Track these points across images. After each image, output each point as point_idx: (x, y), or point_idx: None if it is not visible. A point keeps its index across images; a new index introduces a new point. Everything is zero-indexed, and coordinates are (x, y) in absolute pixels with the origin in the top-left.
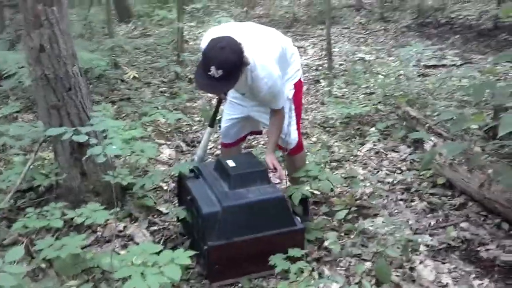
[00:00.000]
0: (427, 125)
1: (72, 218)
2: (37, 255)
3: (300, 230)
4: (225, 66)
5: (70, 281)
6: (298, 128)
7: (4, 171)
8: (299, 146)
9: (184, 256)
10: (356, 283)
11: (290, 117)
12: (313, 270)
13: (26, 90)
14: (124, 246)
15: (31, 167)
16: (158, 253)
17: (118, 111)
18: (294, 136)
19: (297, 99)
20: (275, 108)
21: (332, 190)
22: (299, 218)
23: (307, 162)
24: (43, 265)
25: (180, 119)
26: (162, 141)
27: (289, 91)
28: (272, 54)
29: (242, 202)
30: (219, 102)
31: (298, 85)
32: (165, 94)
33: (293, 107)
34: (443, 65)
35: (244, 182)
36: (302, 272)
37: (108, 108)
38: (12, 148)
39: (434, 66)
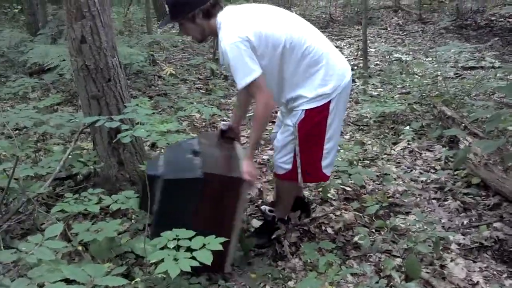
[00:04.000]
0: (463, 125)
1: (108, 206)
2: (74, 238)
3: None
4: (168, 3)
5: (104, 264)
6: (298, 164)
7: (44, 159)
8: (288, 176)
9: (215, 242)
10: (385, 277)
11: (292, 142)
12: (342, 263)
13: (66, 84)
14: None
15: (70, 156)
16: (190, 238)
17: (155, 105)
18: (286, 166)
19: (306, 130)
20: (239, 87)
21: (363, 186)
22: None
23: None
24: (80, 248)
25: (214, 114)
26: (196, 136)
27: (292, 117)
28: (249, 23)
29: None
30: None
31: (312, 113)
32: (201, 90)
33: (296, 135)
34: (481, 67)
35: None
36: (331, 265)
37: (145, 101)
38: (52, 138)
39: (472, 68)
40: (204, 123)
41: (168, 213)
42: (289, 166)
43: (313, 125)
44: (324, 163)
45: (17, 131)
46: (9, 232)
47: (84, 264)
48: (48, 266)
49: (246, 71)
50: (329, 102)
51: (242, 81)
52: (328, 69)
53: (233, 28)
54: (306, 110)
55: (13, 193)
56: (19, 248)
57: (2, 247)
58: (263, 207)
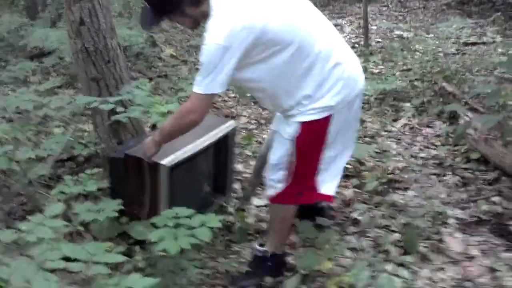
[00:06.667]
0: (464, 100)
1: (108, 187)
2: (75, 219)
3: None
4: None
5: (106, 243)
6: (295, 182)
7: (45, 141)
8: (280, 199)
9: (214, 220)
10: (383, 251)
11: (287, 162)
12: (340, 239)
13: (66, 67)
14: None
15: (71, 137)
16: (190, 216)
17: (155, 87)
18: (277, 185)
19: (304, 144)
20: (193, 89)
21: (363, 163)
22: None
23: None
24: (81, 228)
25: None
26: None
27: (288, 128)
28: (247, 17)
29: None
30: None
31: (310, 128)
32: None
33: (294, 151)
34: (483, 43)
35: None
36: (329, 241)
37: (145, 83)
38: (52, 120)
39: (474, 43)
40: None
41: (117, 189)
42: (281, 185)
43: (311, 139)
44: (320, 178)
45: (18, 115)
46: (11, 214)
47: (84, 243)
48: (49, 245)
49: (210, 82)
50: (330, 116)
51: (204, 89)
52: (336, 79)
53: (223, 23)
54: (304, 122)
55: (15, 175)
56: (20, 227)
57: (4, 228)
58: (253, 243)
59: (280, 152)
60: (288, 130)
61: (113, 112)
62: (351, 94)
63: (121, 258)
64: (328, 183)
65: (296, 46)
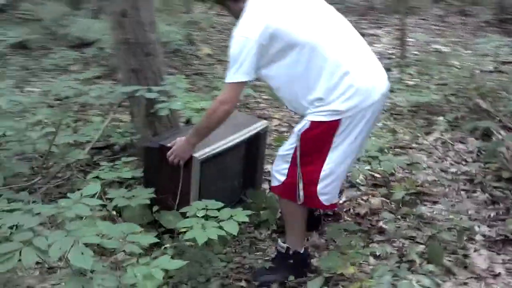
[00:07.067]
0: (498, 118)
1: (141, 176)
2: (108, 204)
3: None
4: None
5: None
6: (296, 179)
7: (84, 128)
8: (281, 190)
9: (242, 214)
10: (407, 261)
11: (291, 156)
12: (365, 246)
13: (106, 58)
14: None
15: (108, 126)
16: (218, 209)
17: (191, 84)
18: (279, 177)
19: (307, 142)
20: (226, 80)
21: (393, 174)
22: None
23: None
24: (113, 213)
25: (249, 95)
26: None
27: (299, 124)
28: (269, 18)
29: None
30: None
31: (318, 126)
32: None
33: (298, 144)
34: None
35: None
36: (354, 246)
37: (181, 79)
38: (91, 109)
39: None
40: (238, 103)
41: (150, 178)
42: (282, 178)
43: (316, 138)
44: (320, 186)
45: (58, 101)
46: (48, 195)
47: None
48: (85, 221)
49: (240, 71)
50: (339, 120)
51: (232, 77)
52: (348, 86)
53: (250, 20)
54: (313, 122)
55: (53, 158)
56: (59, 203)
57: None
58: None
59: (288, 144)
60: (299, 126)
61: (153, 102)
62: (364, 103)
63: (154, 240)
64: (326, 195)
65: (307, 49)
